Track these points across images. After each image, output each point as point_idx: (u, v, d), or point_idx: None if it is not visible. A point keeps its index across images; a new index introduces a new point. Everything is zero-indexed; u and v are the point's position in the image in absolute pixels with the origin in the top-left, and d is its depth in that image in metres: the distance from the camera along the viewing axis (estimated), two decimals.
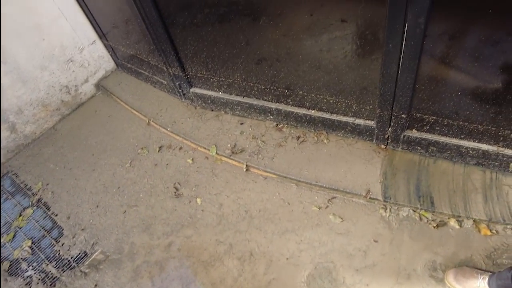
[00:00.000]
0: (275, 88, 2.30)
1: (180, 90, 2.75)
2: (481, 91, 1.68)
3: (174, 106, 2.95)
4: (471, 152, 1.95)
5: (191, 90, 2.69)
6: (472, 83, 1.68)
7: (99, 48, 3.37)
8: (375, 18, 1.64)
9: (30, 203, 2.74)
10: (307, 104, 2.29)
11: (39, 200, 2.74)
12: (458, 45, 1.56)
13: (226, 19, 2.06)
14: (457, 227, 1.92)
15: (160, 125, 2.86)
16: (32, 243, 2.48)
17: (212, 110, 2.78)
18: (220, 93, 2.58)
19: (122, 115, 3.22)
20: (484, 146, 1.90)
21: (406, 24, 1.50)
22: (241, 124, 2.63)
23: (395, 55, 1.61)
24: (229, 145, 2.52)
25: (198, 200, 2.37)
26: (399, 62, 1.63)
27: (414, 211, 2.01)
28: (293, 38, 1.97)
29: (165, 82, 2.85)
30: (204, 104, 2.76)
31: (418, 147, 2.09)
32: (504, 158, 1.89)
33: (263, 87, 2.35)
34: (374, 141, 2.24)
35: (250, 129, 2.58)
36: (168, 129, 2.79)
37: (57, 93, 3.25)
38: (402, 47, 1.58)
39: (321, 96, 2.18)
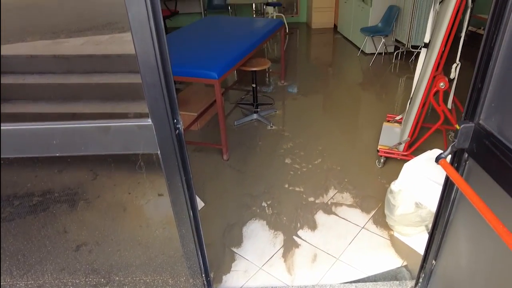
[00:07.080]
0: (90, 279, 2.30)
1: None
2: None
3: None
4: None
5: None
6: None
7: None
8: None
9: None
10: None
11: None
12: None
13: (40, 210, 2.04)
14: None
15: None
16: None
17: None
18: None
19: None
20: None
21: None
22: None
23: (189, 237, 1.92)
24: None
25: None
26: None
27: None
28: (113, 217, 2.08)
29: None
30: None
31: None
32: None
33: (77, 281, 2.31)
34: None
35: None
36: None
37: None
38: (193, 231, 1.92)
39: (138, 278, 2.28)
